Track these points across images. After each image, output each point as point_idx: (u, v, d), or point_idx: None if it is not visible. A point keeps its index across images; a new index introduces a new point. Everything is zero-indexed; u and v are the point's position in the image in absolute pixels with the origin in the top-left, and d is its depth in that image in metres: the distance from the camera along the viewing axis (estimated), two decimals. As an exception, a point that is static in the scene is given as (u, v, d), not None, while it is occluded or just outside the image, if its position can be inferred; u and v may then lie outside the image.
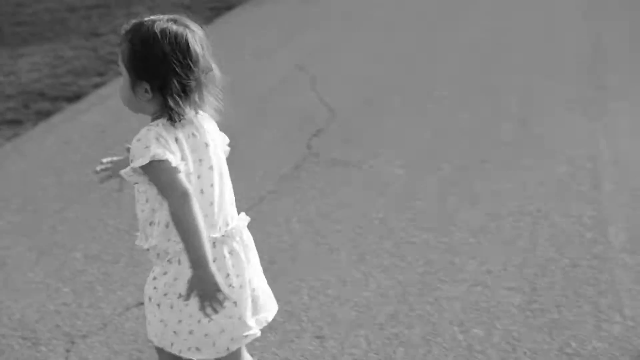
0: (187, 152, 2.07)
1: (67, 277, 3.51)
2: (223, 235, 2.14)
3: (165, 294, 2.13)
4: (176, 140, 2.05)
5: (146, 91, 2.05)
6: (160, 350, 2.27)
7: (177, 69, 2.01)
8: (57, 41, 7.82)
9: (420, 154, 4.75)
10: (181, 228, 1.98)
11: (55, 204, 4.24)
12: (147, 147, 2.00)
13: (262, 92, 6.04)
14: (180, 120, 2.05)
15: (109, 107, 5.83)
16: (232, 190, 2.23)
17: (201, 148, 2.11)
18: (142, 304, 3.27)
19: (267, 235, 3.83)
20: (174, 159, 2.01)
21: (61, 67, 6.91)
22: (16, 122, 5.59)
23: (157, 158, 1.98)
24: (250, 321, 2.22)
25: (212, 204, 2.12)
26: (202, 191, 2.10)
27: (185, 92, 2.04)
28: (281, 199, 4.22)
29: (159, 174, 2.00)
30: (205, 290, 1.98)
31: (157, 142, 2.01)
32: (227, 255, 2.14)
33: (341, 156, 4.76)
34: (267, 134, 5.17)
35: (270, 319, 2.32)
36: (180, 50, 2.02)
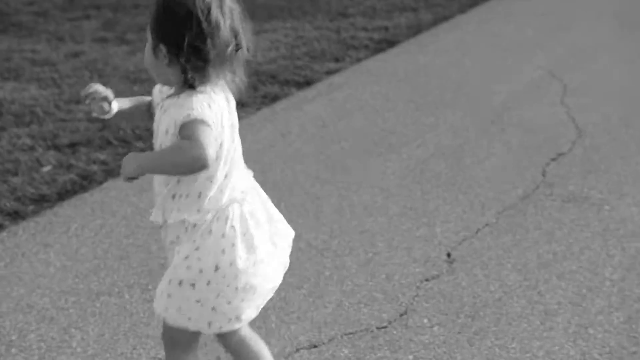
0: (226, 116, 2.08)
1: (243, 297, 3.18)
2: (243, 194, 2.14)
3: (200, 270, 2.10)
4: (218, 106, 2.04)
5: (164, 55, 2.03)
6: (177, 334, 2.23)
7: (192, 34, 1.99)
8: (302, 19, 7.61)
9: (678, 200, 3.95)
10: (173, 160, 2.00)
11: (252, 205, 3.94)
12: (193, 106, 1.99)
13: (503, 98, 5.41)
14: (196, 87, 2.03)
15: (334, 99, 5.48)
16: None
17: (233, 113, 2.15)
18: (315, 346, 2.91)
19: (473, 279, 3.28)
20: (215, 127, 2.00)
21: (299, 48, 6.66)
22: (241, 105, 5.35)
23: (200, 117, 1.97)
24: (275, 275, 2.23)
25: (236, 164, 2.14)
26: (235, 150, 2.13)
27: (203, 59, 2.01)
28: (499, 236, 3.63)
29: (195, 129, 1.97)
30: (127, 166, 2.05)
31: (208, 107, 2.00)
32: (248, 215, 2.14)
33: (580, 190, 4.06)
34: (499, 151, 4.56)
35: (287, 252, 2.30)
36: (201, 16, 1.99)
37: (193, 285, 2.10)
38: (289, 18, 7.66)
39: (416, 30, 7.28)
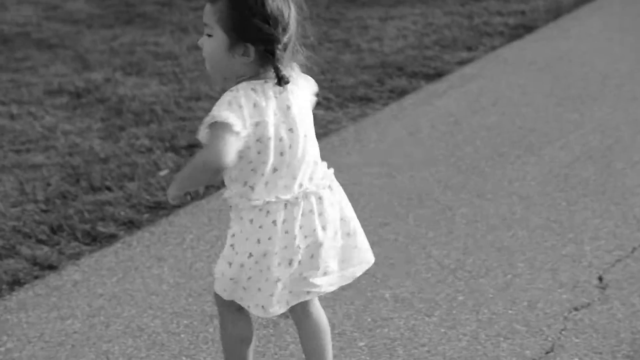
0: (270, 116, 2.08)
1: (368, 325, 2.87)
2: (296, 198, 2.16)
3: (237, 253, 2.17)
4: (254, 105, 2.06)
5: (245, 53, 2.05)
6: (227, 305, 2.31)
7: (281, 33, 2.03)
8: (431, 4, 7.19)
9: None
10: (191, 168, 2.14)
11: (375, 217, 3.62)
12: (217, 107, 2.05)
13: (658, 91, 4.88)
14: (287, 83, 2.08)
15: (468, 92, 5.08)
16: (316, 148, 2.22)
17: (283, 110, 2.11)
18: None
19: (630, 310, 2.86)
20: (238, 124, 2.02)
21: (429, 36, 6.27)
22: (366, 100, 5.07)
23: (219, 120, 2.02)
24: (318, 280, 2.23)
25: (288, 165, 2.15)
26: (281, 153, 2.12)
27: (287, 52, 2.06)
28: (659, 257, 3.19)
29: (215, 132, 2.03)
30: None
31: (228, 106, 2.04)
32: (299, 217, 2.16)
33: None
34: (655, 153, 4.08)
35: (358, 273, 2.33)
36: (283, 12, 2.03)
37: (230, 264, 2.20)
38: (417, 3, 7.27)
39: (556, 13, 6.75)
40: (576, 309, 2.90)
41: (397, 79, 5.37)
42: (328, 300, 2.89)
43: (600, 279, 3.08)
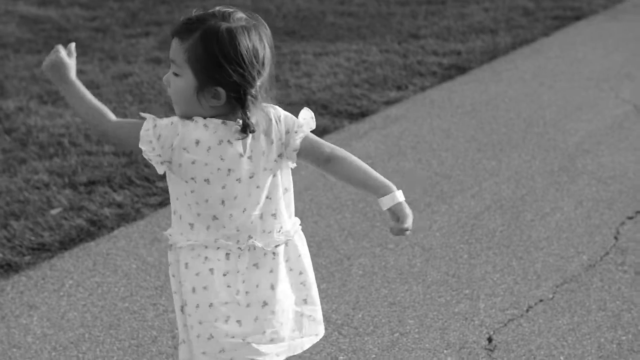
0: (211, 158, 1.95)
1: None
2: (239, 248, 2.02)
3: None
4: (196, 143, 1.94)
5: (215, 97, 1.91)
6: None
7: (255, 76, 1.91)
8: (370, 40, 7.10)
9: None
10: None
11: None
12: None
13: (578, 139, 4.79)
14: (254, 132, 1.95)
15: (389, 134, 4.96)
16: (275, 202, 2.06)
17: (234, 158, 1.98)
18: None
19: (515, 376, 2.73)
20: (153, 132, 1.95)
21: (360, 74, 6.16)
22: (285, 139, 4.92)
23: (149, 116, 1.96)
24: (263, 347, 2.04)
25: (231, 216, 2.01)
26: (222, 202, 1.99)
27: (256, 99, 1.93)
28: (553, 317, 3.06)
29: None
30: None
31: (162, 122, 1.96)
32: (243, 270, 2.02)
33: (658, 260, 3.44)
34: (566, 205, 3.96)
35: (306, 346, 2.18)
36: (258, 54, 1.91)
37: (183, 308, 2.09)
38: (355, 39, 7.17)
39: (491, 55, 6.68)
40: (459, 374, 2.76)
41: (320, 118, 5.23)
42: None
43: (489, 339, 2.94)
